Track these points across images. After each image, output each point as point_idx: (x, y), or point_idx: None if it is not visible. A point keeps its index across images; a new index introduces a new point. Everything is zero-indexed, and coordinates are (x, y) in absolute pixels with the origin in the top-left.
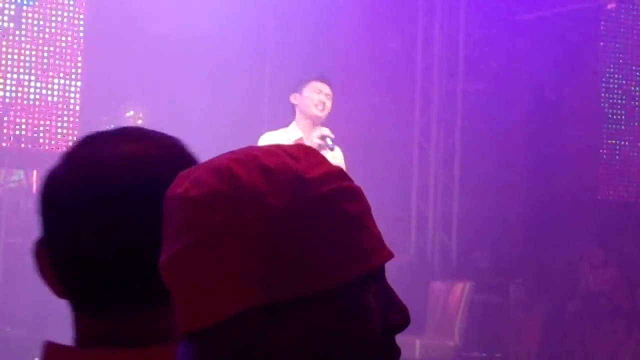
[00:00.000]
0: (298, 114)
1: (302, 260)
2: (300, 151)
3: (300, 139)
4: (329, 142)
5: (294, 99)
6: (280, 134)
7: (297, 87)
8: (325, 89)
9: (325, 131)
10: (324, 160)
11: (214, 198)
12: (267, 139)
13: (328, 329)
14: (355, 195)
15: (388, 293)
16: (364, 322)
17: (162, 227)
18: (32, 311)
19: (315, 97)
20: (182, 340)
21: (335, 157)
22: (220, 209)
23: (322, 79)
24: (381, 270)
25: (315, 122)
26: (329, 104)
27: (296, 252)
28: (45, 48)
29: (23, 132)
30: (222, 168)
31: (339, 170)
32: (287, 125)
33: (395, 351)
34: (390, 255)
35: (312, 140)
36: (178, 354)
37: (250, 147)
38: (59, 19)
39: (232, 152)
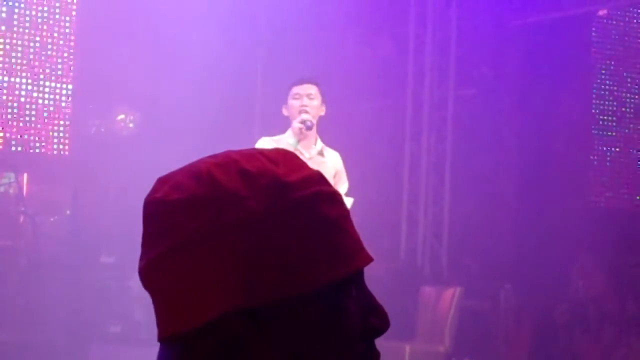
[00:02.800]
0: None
1: (281, 264)
2: (279, 155)
3: (296, 149)
4: (308, 123)
5: (284, 110)
6: (276, 140)
7: (286, 99)
8: (305, 89)
9: (305, 116)
10: (302, 164)
11: (194, 202)
12: (263, 144)
13: (308, 332)
14: (334, 199)
15: (367, 297)
16: (344, 326)
17: (143, 232)
18: (22, 314)
19: (297, 103)
20: (163, 344)
21: (335, 161)
22: (201, 213)
23: (300, 81)
24: (360, 274)
25: (308, 127)
26: (314, 103)
27: (276, 255)
28: (37, 50)
29: (14, 135)
30: (202, 172)
31: (317, 174)
32: (281, 129)
33: (375, 355)
34: (369, 259)
35: (294, 126)
36: (158, 357)
37: (230, 152)
38: (51, 22)
39: (212, 156)
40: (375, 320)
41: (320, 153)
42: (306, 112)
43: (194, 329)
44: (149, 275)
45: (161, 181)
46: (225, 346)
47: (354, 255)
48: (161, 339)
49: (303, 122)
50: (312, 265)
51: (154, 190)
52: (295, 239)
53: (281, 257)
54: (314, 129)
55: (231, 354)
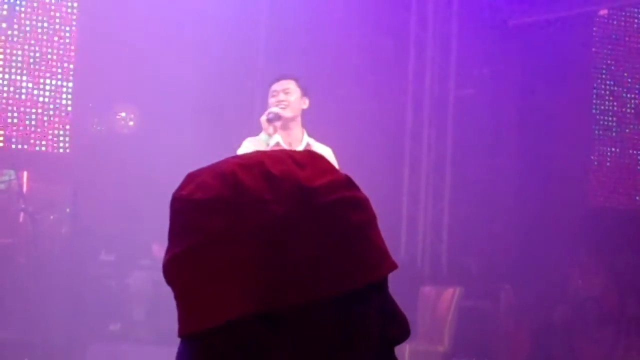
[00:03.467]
0: None
1: (300, 270)
2: (308, 158)
3: (277, 144)
4: (270, 115)
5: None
6: (256, 139)
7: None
8: (280, 85)
9: (272, 109)
10: (330, 168)
11: (217, 203)
12: (247, 145)
13: (327, 339)
14: (359, 205)
15: (389, 304)
16: (362, 333)
17: (169, 227)
18: (21, 312)
19: (273, 100)
20: (183, 341)
21: (325, 156)
22: (223, 214)
23: (276, 79)
24: (383, 282)
25: (286, 122)
26: (292, 97)
27: (296, 260)
28: (37, 49)
29: (14, 132)
30: (227, 173)
31: (345, 179)
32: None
33: None
34: (393, 267)
35: (261, 119)
36: (177, 353)
37: (257, 152)
38: (51, 20)
39: (239, 157)
40: (394, 329)
41: (307, 148)
42: (283, 108)
43: (212, 328)
44: (170, 271)
45: (189, 177)
46: (242, 348)
47: (375, 264)
48: (180, 336)
49: (268, 115)
50: (332, 273)
51: (182, 186)
52: (316, 245)
53: (301, 262)
54: (298, 122)
55: (248, 357)
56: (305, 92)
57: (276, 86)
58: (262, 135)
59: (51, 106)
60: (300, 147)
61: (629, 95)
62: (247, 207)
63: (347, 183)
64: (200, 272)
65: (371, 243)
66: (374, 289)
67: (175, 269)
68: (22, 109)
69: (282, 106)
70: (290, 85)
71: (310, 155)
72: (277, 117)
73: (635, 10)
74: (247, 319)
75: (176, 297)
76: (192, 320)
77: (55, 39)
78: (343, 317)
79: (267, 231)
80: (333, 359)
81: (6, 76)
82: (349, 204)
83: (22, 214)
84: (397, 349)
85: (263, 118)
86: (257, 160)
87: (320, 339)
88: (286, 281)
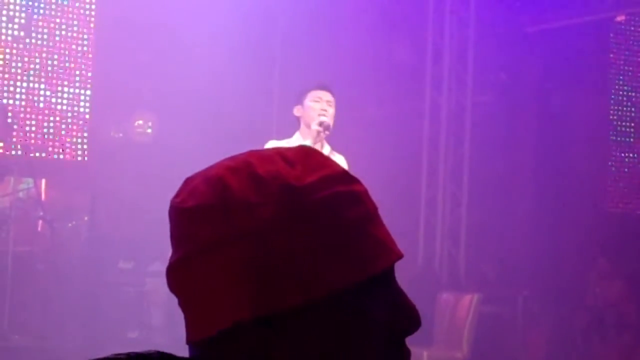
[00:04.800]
0: (302, 125)
1: (292, 272)
2: (299, 155)
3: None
4: (326, 124)
5: (297, 111)
6: (283, 144)
7: (299, 99)
8: (326, 96)
9: (323, 118)
10: (324, 162)
11: (205, 211)
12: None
13: (329, 337)
14: (355, 199)
15: (397, 296)
16: (365, 328)
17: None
18: (40, 319)
19: (317, 105)
20: (189, 348)
21: (341, 165)
22: (211, 222)
23: (322, 87)
24: (388, 274)
25: (326, 127)
26: (331, 111)
27: (286, 263)
28: (55, 56)
29: (32, 141)
30: (215, 178)
31: (339, 173)
32: (291, 134)
33: (405, 355)
34: (397, 256)
35: (312, 128)
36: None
37: (249, 153)
38: (69, 27)
39: (229, 158)
40: (404, 320)
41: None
42: (325, 116)
43: (211, 336)
44: (169, 281)
45: (185, 183)
46: (245, 354)
47: (373, 258)
48: (187, 343)
49: (321, 124)
50: (326, 272)
51: (178, 192)
52: (308, 245)
53: (292, 265)
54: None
55: None
56: (335, 106)
57: (322, 94)
58: (301, 142)
59: (69, 114)
60: None
61: None
62: (233, 213)
63: (343, 177)
64: (194, 282)
65: (369, 237)
66: (378, 282)
67: (172, 280)
68: (40, 117)
69: (329, 118)
70: (332, 98)
71: (302, 152)
72: (328, 127)
73: None
74: (246, 324)
75: (179, 305)
76: (193, 329)
77: (73, 46)
78: (343, 313)
79: (255, 236)
80: (338, 355)
81: (24, 84)
82: (344, 199)
83: (40, 222)
84: (416, 356)
85: (315, 127)
86: (246, 162)
87: (322, 336)
88: (278, 285)
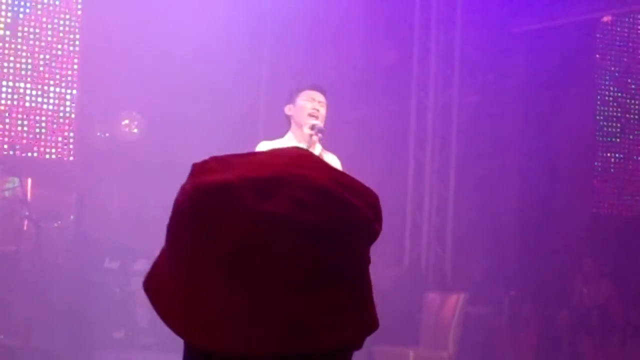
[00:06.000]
0: (293, 125)
1: None
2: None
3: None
4: (319, 126)
5: (288, 110)
6: (275, 144)
7: (290, 98)
8: (318, 96)
9: (314, 121)
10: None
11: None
12: (263, 148)
13: None
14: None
15: None
16: None
17: None
18: (24, 319)
19: (309, 105)
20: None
21: (333, 164)
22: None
23: (315, 87)
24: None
25: (320, 131)
26: (323, 111)
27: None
28: (41, 56)
29: (18, 140)
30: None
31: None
32: (281, 134)
33: None
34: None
35: (305, 132)
36: None
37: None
38: (55, 27)
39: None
40: None
41: (321, 155)
42: (316, 117)
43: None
44: None
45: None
46: None
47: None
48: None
49: (312, 127)
50: None
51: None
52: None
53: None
54: None
55: None
56: (327, 107)
57: (314, 95)
58: (295, 144)
59: (55, 113)
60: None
61: (632, 102)
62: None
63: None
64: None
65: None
66: None
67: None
68: (25, 116)
69: (320, 119)
70: (324, 99)
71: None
72: (322, 130)
73: (639, 16)
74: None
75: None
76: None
77: (59, 46)
78: None
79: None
80: None
81: (10, 83)
82: None
83: (26, 221)
84: (402, 356)
85: (307, 132)
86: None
87: None
88: None
